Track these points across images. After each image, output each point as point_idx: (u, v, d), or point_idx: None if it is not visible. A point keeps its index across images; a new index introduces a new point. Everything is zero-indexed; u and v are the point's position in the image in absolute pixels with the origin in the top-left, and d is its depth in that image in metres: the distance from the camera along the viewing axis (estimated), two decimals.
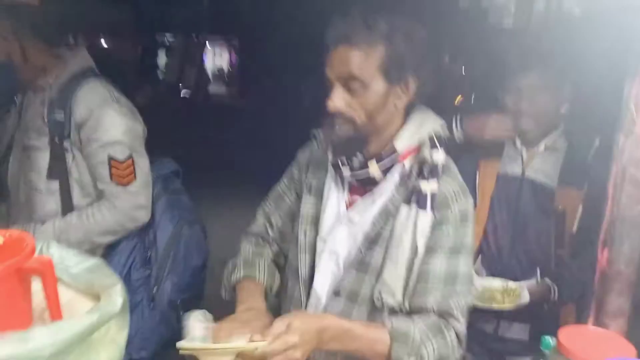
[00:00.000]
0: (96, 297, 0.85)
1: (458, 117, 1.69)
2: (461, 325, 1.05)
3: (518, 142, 1.65)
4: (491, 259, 1.68)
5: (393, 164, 1.09)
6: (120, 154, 1.47)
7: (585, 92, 1.62)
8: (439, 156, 1.08)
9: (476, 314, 1.58)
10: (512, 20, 1.40)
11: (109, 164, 1.46)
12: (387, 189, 1.10)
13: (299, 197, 1.22)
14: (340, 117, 1.05)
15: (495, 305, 1.54)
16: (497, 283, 1.61)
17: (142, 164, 1.54)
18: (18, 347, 0.67)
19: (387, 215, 1.08)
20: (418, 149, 1.09)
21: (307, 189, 1.17)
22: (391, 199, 1.08)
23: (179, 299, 1.60)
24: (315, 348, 0.93)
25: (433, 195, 1.05)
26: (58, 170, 1.48)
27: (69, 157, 1.49)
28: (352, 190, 1.14)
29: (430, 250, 1.05)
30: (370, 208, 1.10)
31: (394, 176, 1.10)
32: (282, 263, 1.24)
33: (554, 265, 1.59)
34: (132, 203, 1.47)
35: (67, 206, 1.48)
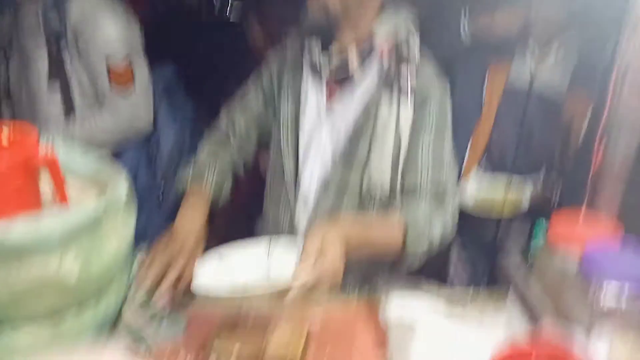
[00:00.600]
0: (102, 190, 0.89)
1: (466, 17, 1.62)
2: (455, 200, 1.09)
3: (528, 53, 1.59)
4: (497, 162, 1.68)
5: (371, 51, 1.07)
6: (117, 53, 1.44)
7: None
8: (415, 46, 1.07)
9: (475, 220, 1.64)
10: None
11: (107, 66, 1.45)
12: (366, 81, 1.09)
13: (266, 104, 1.20)
14: (315, 4, 1.03)
15: (495, 214, 1.59)
16: (499, 190, 1.63)
17: (140, 65, 1.51)
18: (30, 229, 0.72)
19: (369, 108, 1.08)
20: (394, 43, 1.08)
21: (284, 95, 1.16)
22: (371, 92, 1.08)
23: None
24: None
25: (412, 79, 1.05)
26: (57, 71, 1.47)
27: (66, 59, 1.47)
28: (331, 91, 1.12)
29: (415, 132, 1.07)
30: (350, 103, 1.10)
31: (372, 69, 1.09)
32: (240, 163, 1.24)
33: (556, 175, 1.60)
34: (133, 111, 1.48)
35: (69, 108, 1.49)
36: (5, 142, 0.79)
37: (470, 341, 0.89)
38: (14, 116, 1.58)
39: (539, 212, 1.59)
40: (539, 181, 1.61)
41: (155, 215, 1.58)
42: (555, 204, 1.61)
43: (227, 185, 1.19)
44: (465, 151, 1.71)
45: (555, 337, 0.76)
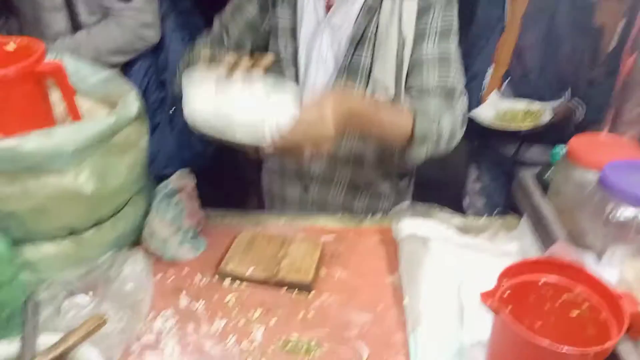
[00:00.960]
0: (113, 106, 0.89)
1: None
2: (464, 101, 1.05)
3: None
4: (519, 81, 1.62)
5: None
6: None
7: None
8: None
9: (496, 137, 1.60)
10: None
11: None
12: None
13: (261, 9, 1.13)
14: None
15: (514, 125, 1.53)
16: (520, 105, 1.58)
17: None
18: (43, 141, 0.73)
19: (370, 11, 1.03)
20: None
21: (280, 2, 1.10)
22: None
23: None
24: (340, 129, 0.88)
25: None
26: None
27: None
28: None
29: (419, 37, 1.03)
30: (351, 8, 1.05)
31: None
32: None
33: (585, 86, 1.53)
34: (137, 19, 1.42)
35: (75, 24, 1.44)
36: (11, 51, 0.79)
37: (482, 265, 0.90)
38: (21, 34, 1.54)
39: (559, 136, 1.56)
40: (563, 104, 1.55)
41: (166, 132, 1.57)
42: (577, 127, 1.57)
43: None
44: (488, 68, 1.65)
45: (567, 258, 0.76)
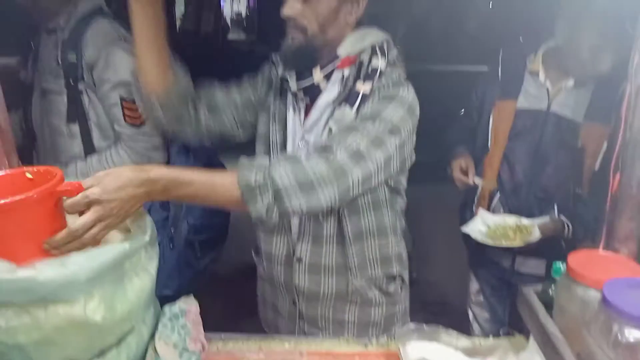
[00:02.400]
0: (126, 231, 0.92)
1: None
2: (342, 157, 0.97)
3: (542, 76, 1.62)
4: (508, 197, 1.70)
5: (333, 70, 1.13)
6: (130, 93, 1.47)
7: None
8: (378, 62, 1.11)
9: (491, 249, 1.64)
10: None
11: (121, 104, 1.48)
12: (331, 99, 1.14)
13: (256, 95, 1.27)
14: (293, 26, 1.09)
15: (506, 243, 1.57)
16: (510, 220, 1.63)
17: None
18: (58, 271, 0.73)
19: (331, 113, 1.12)
20: (358, 59, 1.13)
21: (272, 117, 1.21)
22: (335, 102, 1.13)
23: (196, 241, 1.66)
24: (144, 200, 0.86)
25: (364, 96, 1.09)
26: (76, 113, 1.51)
27: (85, 100, 1.51)
28: (307, 111, 1.18)
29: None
30: (318, 123, 1.15)
31: (335, 84, 1.14)
32: (204, 107, 1.25)
33: (572, 203, 1.60)
34: (146, 144, 1.50)
35: (89, 148, 1.52)
36: (31, 178, 0.84)
37: None
38: (37, 158, 1.62)
39: (551, 250, 1.59)
40: (551, 220, 1.60)
41: (167, 251, 1.59)
42: (567, 243, 1.61)
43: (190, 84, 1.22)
44: (476, 191, 1.73)
45: None
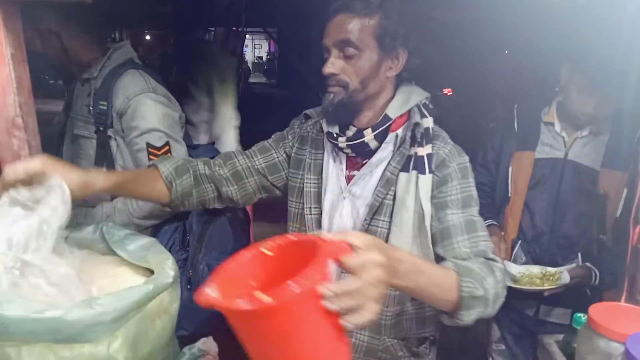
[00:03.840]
0: (150, 272, 0.95)
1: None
2: (501, 266, 1.06)
3: (557, 126, 1.65)
4: (530, 245, 1.70)
5: (387, 133, 1.16)
6: (156, 140, 1.53)
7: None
8: (429, 123, 1.15)
9: (516, 297, 1.62)
10: None
11: (147, 150, 1.53)
12: (384, 158, 1.17)
13: (286, 157, 1.31)
14: (334, 82, 1.13)
15: (534, 286, 1.56)
16: (535, 269, 1.62)
17: (179, 149, 1.60)
18: (86, 311, 0.76)
19: (388, 184, 1.15)
20: (408, 118, 1.17)
21: (306, 168, 1.25)
22: (389, 168, 1.15)
23: None
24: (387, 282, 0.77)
25: (429, 158, 1.12)
26: (104, 157, 1.57)
27: (113, 145, 1.57)
28: (349, 165, 1.22)
29: (441, 207, 1.11)
30: (369, 180, 1.17)
31: (389, 145, 1.17)
32: (223, 185, 1.29)
33: (595, 251, 1.59)
34: None
35: None
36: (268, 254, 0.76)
37: None
38: None
39: (575, 300, 1.58)
40: (578, 267, 1.59)
41: (184, 292, 1.61)
42: (592, 292, 1.59)
43: (189, 179, 1.26)
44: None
45: None
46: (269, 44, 18.04)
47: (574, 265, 1.60)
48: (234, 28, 6.09)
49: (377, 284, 0.72)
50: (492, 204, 1.78)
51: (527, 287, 1.56)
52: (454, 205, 1.11)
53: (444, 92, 4.45)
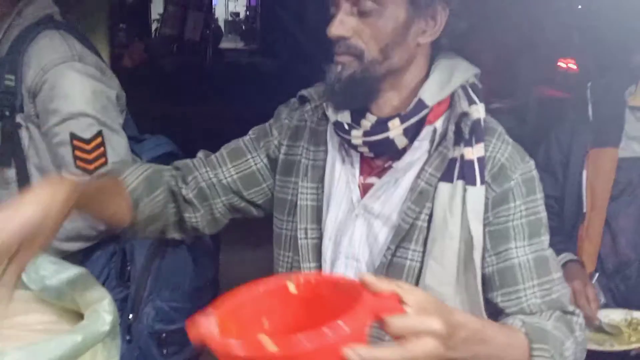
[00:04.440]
0: (79, 316, 0.94)
1: None
2: (582, 321, 1.08)
3: None
4: (611, 279, 1.70)
5: (421, 127, 1.12)
6: (84, 130, 1.51)
7: None
8: (480, 112, 1.11)
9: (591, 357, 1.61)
10: None
11: (72, 144, 1.51)
12: (416, 161, 1.13)
13: (269, 161, 1.26)
14: (344, 49, 1.09)
15: (619, 347, 1.55)
16: (618, 315, 1.62)
17: (117, 143, 1.58)
18: None
19: (422, 198, 1.11)
20: (449, 106, 1.14)
21: (301, 173, 1.21)
22: (423, 176, 1.11)
23: (164, 332, 1.63)
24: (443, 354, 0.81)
25: (482, 163, 1.09)
26: (12, 154, 1.55)
27: (24, 137, 1.55)
28: (365, 169, 1.17)
29: (500, 238, 1.09)
30: (394, 191, 1.13)
31: (424, 143, 1.13)
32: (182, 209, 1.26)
33: None
34: None
35: None
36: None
37: None
38: None
39: None
40: None
41: (123, 349, 1.59)
42: None
43: (160, 195, 1.22)
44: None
45: None
46: None
47: None
48: None
49: (426, 359, 0.74)
50: (561, 226, 1.77)
51: (609, 348, 1.55)
52: (519, 234, 1.09)
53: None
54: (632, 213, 1.65)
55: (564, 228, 1.76)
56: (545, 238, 1.11)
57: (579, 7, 3.50)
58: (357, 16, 1.08)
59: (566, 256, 1.67)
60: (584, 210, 1.69)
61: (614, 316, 1.62)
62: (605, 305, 1.67)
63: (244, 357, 0.65)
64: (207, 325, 0.72)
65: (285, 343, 0.64)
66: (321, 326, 0.65)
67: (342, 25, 1.08)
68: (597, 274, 1.70)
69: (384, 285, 0.75)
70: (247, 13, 18.47)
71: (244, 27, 17.83)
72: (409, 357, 0.72)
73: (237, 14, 19.73)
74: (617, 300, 1.68)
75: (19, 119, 1.54)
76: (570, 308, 1.07)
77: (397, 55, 1.10)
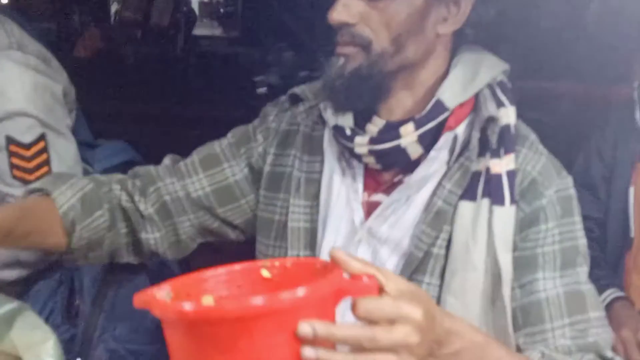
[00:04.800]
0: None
1: None
2: None
3: None
4: None
5: (440, 133, 1.13)
6: (24, 133, 1.54)
7: None
8: (510, 117, 1.12)
9: None
10: None
11: (8, 149, 1.54)
12: (432, 174, 1.14)
13: (251, 173, 1.27)
14: (348, 38, 1.10)
15: None
16: None
17: (63, 149, 1.61)
18: None
19: (439, 220, 1.12)
20: (473, 108, 1.15)
21: (292, 187, 1.22)
22: (440, 193, 1.12)
23: None
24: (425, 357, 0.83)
25: (512, 178, 1.09)
26: None
27: None
28: (370, 184, 1.19)
29: (526, 267, 1.10)
30: (406, 211, 1.14)
31: (442, 153, 1.14)
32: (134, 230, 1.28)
33: None
34: None
35: None
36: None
37: None
38: None
39: None
40: None
41: None
42: None
43: (101, 218, 1.23)
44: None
45: None
46: None
47: None
48: None
49: (401, 349, 0.76)
50: (604, 255, 1.79)
51: None
52: (549, 264, 1.10)
53: None
54: None
55: (607, 258, 1.78)
56: (583, 270, 1.11)
57: None
58: (364, 0, 1.08)
59: (612, 293, 1.69)
60: (632, 235, 1.71)
61: None
62: None
63: (186, 313, 0.72)
64: (156, 293, 0.80)
65: (227, 302, 0.73)
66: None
67: (347, 9, 1.09)
68: None
69: (358, 265, 0.78)
70: None
71: (222, 10, 17.86)
72: (375, 340, 0.74)
73: None
74: None
75: None
76: (609, 354, 1.07)
77: (412, 47, 1.12)
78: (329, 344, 0.74)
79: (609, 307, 1.65)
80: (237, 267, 0.88)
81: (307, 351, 0.72)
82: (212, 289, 0.86)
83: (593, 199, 1.81)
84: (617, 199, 1.76)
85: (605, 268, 1.75)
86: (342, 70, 1.12)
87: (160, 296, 0.80)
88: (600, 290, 1.67)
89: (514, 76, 1.19)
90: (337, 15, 1.09)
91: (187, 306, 0.72)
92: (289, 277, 0.85)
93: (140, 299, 0.78)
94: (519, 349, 1.08)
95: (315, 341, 0.72)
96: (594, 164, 1.82)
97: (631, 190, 1.73)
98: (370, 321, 0.76)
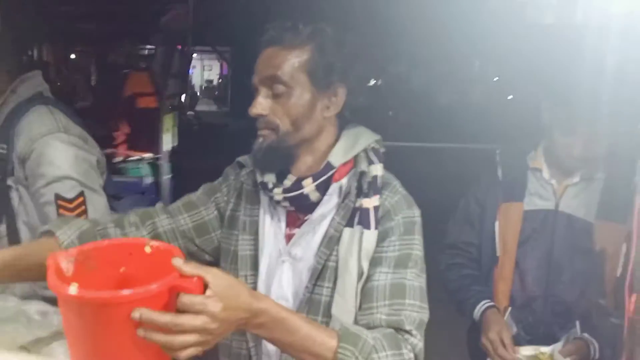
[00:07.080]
0: None
1: None
2: (418, 342, 1.09)
3: (546, 173, 1.72)
4: (521, 312, 1.73)
5: (330, 184, 1.20)
6: (68, 191, 1.52)
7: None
8: (378, 170, 1.20)
9: None
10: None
11: (56, 203, 1.51)
12: (327, 212, 1.20)
13: (219, 215, 1.31)
14: (263, 125, 1.17)
15: None
16: (527, 351, 1.64)
17: (97, 202, 1.58)
18: None
19: (331, 243, 1.17)
20: (354, 165, 1.22)
21: (240, 227, 1.26)
22: (333, 224, 1.18)
23: None
24: (238, 329, 0.94)
25: (376, 211, 1.16)
26: (3, 212, 1.55)
27: (14, 197, 1.56)
28: (290, 221, 1.24)
29: (376, 264, 1.14)
30: (312, 238, 1.20)
31: (333, 197, 1.20)
32: None
33: (595, 317, 1.62)
34: None
35: None
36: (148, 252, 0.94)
37: None
38: None
39: None
40: (575, 342, 1.62)
41: None
42: None
43: None
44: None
45: None
46: (221, 65, 18.18)
47: (570, 337, 1.63)
48: (179, 47, 6.17)
49: (202, 332, 0.85)
50: (480, 274, 1.81)
51: None
52: (386, 262, 1.14)
53: None
54: (536, 256, 1.71)
55: (482, 276, 1.80)
56: (412, 271, 1.15)
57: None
58: (272, 98, 1.16)
59: (485, 303, 1.72)
60: (498, 254, 1.75)
61: (525, 352, 1.64)
62: (517, 334, 1.70)
63: (56, 291, 0.80)
64: (63, 260, 0.87)
65: (87, 290, 0.79)
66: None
67: (261, 105, 1.17)
68: (509, 309, 1.73)
69: (188, 268, 0.85)
70: (220, 80, 18.58)
71: (216, 92, 17.90)
72: (179, 324, 0.82)
73: (211, 81, 19.80)
74: (526, 331, 1.71)
75: (10, 181, 1.55)
76: (407, 328, 1.09)
77: (307, 127, 1.18)
78: (166, 329, 0.82)
79: (482, 315, 1.70)
80: (130, 240, 0.98)
81: (140, 331, 0.81)
82: (110, 260, 0.92)
83: (472, 229, 1.84)
84: (487, 230, 1.78)
85: (482, 284, 1.79)
86: (261, 145, 1.18)
87: (63, 265, 0.87)
88: (476, 301, 1.73)
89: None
90: (255, 110, 1.16)
91: (62, 289, 0.79)
92: (160, 254, 0.92)
93: (49, 262, 0.85)
94: (356, 321, 1.12)
95: (148, 325, 0.81)
96: (472, 206, 1.85)
97: (497, 223, 1.76)
98: (184, 311, 0.84)
